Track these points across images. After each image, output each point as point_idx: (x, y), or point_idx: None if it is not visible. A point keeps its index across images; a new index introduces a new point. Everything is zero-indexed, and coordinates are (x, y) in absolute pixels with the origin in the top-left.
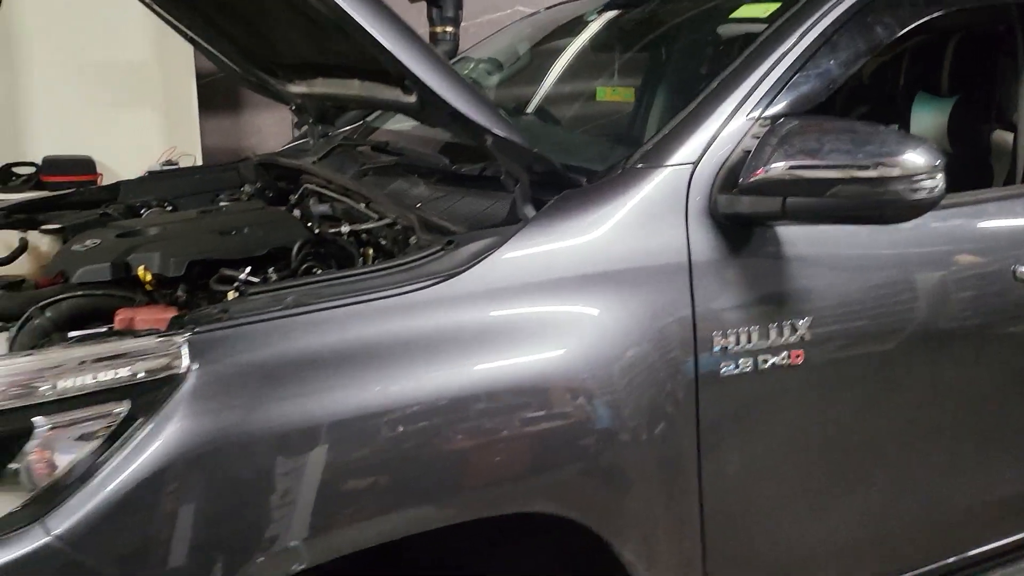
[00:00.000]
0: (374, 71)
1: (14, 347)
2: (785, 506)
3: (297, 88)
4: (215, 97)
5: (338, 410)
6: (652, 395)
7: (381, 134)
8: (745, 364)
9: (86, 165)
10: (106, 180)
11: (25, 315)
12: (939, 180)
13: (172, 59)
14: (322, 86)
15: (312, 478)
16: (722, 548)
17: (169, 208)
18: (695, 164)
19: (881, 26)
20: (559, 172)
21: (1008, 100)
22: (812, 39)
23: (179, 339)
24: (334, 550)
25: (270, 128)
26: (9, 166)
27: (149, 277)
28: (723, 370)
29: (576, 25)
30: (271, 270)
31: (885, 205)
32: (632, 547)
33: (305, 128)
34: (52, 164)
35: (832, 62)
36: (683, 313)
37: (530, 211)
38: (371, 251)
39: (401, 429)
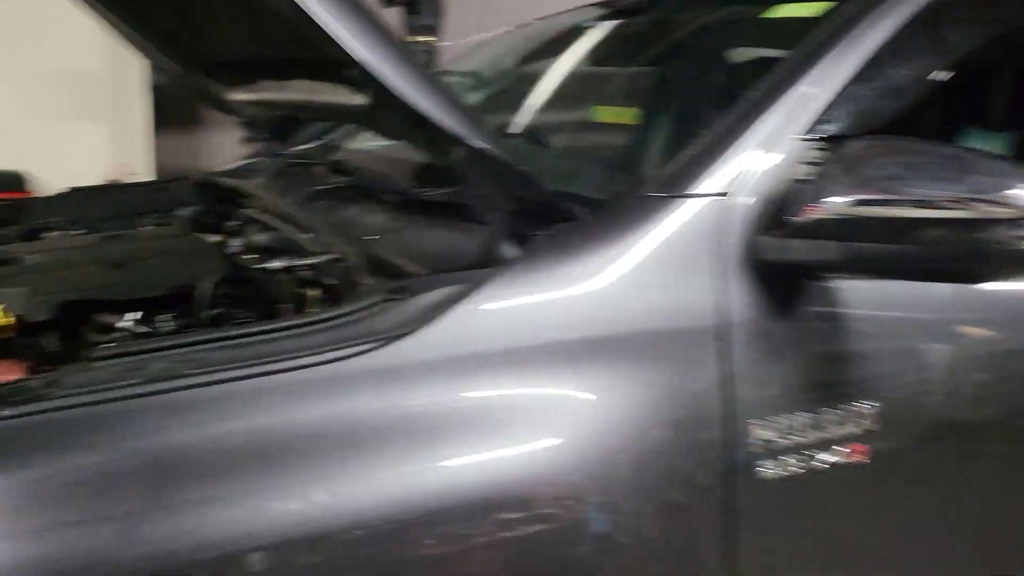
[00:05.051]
0: (318, 65)
1: None
2: None
3: (240, 95)
4: (171, 111)
5: (231, 542)
6: (667, 498)
7: (345, 153)
8: (791, 463)
9: (14, 181)
10: None
11: None
12: None
13: (123, 68)
14: (264, 91)
15: None
16: None
17: (79, 232)
18: (727, 195)
19: (960, 32)
20: (551, 199)
21: None
22: (879, 41)
23: None
24: None
25: (231, 146)
26: None
27: (11, 320)
28: (761, 470)
29: (573, 35)
30: (163, 317)
31: (985, 256)
32: None
33: (256, 146)
34: None
35: (902, 70)
36: (711, 394)
37: (509, 248)
38: (315, 293)
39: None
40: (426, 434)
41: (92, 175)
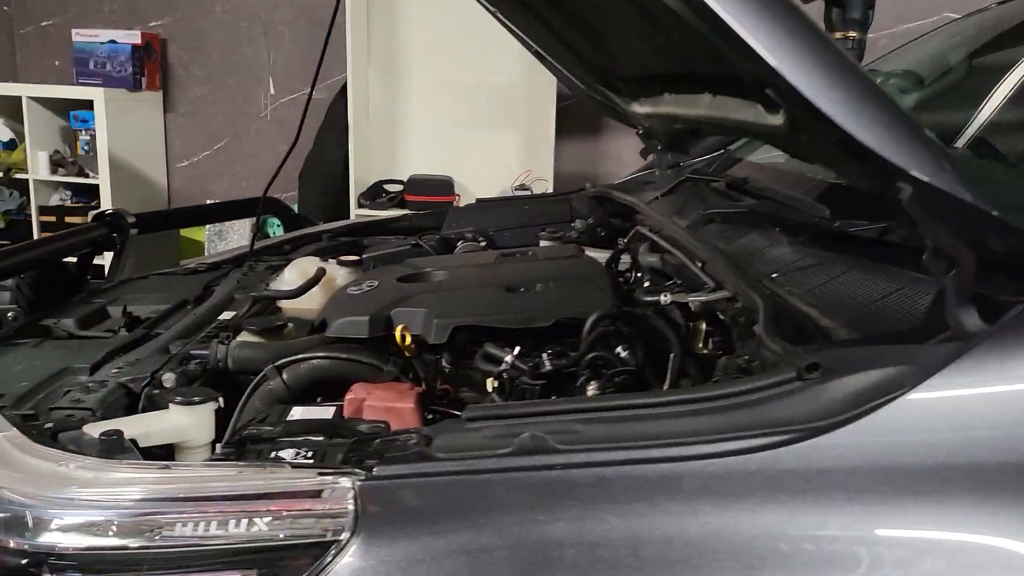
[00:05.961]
0: (727, 79)
1: (240, 417)
2: None
3: (642, 108)
4: (574, 121)
5: None
6: None
7: (743, 168)
8: None
9: (445, 186)
10: (464, 201)
11: (260, 375)
12: None
13: (538, 81)
14: (668, 105)
15: None
16: None
17: (483, 243)
18: None
19: None
20: None
21: None
22: None
23: (345, 485)
24: None
25: (628, 154)
26: (381, 183)
27: (408, 340)
28: None
29: None
30: (545, 354)
31: None
32: None
33: (652, 157)
34: (415, 183)
35: None
36: None
37: (971, 319)
38: (703, 326)
39: None
40: (843, 568)
41: (505, 180)
